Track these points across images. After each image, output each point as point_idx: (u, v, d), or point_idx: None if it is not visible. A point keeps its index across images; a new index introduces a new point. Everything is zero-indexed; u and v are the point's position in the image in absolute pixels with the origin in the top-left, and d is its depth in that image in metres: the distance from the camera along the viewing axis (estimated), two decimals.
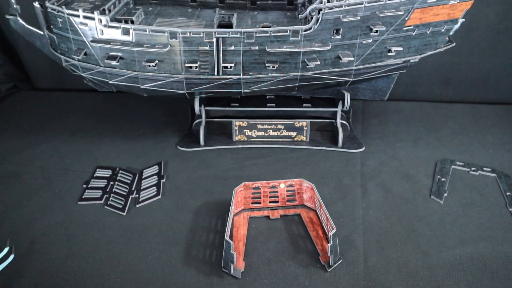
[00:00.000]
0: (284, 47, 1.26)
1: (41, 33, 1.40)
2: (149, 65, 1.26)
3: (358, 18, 1.22)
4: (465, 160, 1.46)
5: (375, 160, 1.48)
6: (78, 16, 1.25)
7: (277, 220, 1.22)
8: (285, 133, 1.57)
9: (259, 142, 1.57)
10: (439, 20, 1.30)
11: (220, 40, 1.24)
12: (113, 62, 1.27)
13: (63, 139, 1.61)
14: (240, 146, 1.55)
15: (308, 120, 1.55)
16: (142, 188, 1.34)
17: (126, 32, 1.26)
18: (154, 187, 1.33)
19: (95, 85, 1.44)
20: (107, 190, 1.33)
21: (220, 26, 1.39)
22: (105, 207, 1.26)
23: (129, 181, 1.37)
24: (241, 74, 1.31)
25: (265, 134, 1.57)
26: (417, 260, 1.08)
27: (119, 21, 1.36)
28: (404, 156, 1.50)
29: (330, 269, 1.05)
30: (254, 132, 1.57)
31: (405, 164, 1.46)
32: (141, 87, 1.34)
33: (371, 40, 1.28)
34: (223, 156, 1.50)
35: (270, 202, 1.26)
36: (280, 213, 1.24)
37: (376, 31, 1.25)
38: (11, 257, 1.08)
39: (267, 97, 1.61)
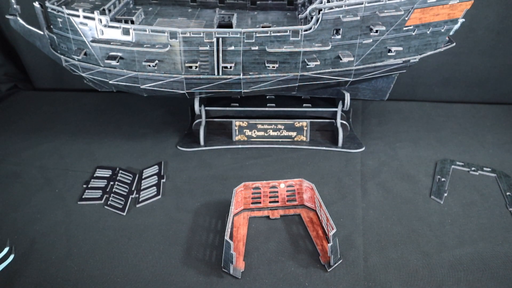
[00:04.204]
0: (284, 47, 1.26)
1: (41, 33, 1.40)
2: (149, 65, 1.26)
3: (358, 18, 1.22)
4: (465, 160, 1.46)
5: (375, 160, 1.48)
6: (78, 16, 1.25)
7: (277, 220, 1.22)
8: (285, 133, 1.57)
9: (259, 142, 1.57)
10: (439, 20, 1.30)
11: (220, 40, 1.25)
12: (113, 62, 1.27)
13: (63, 139, 1.61)
14: (240, 146, 1.55)
15: (308, 120, 1.55)
16: (142, 188, 1.34)
17: (126, 32, 1.26)
18: (154, 187, 1.33)
19: (95, 85, 1.44)
20: (107, 190, 1.33)
21: (220, 26, 1.40)
22: (105, 207, 1.26)
23: (129, 181, 1.37)
24: (241, 74, 1.31)
25: (265, 134, 1.57)
26: (417, 260, 1.08)
27: (119, 21, 1.36)
28: (404, 156, 1.50)
29: (330, 269, 1.05)
30: (254, 132, 1.57)
31: (405, 164, 1.46)
32: (141, 87, 1.34)
33: (371, 40, 1.28)
34: (223, 156, 1.50)
35: (270, 202, 1.26)
36: (280, 213, 1.24)
37: (376, 31, 1.25)
38: (11, 257, 1.08)
39: (267, 97, 1.61)
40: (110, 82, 1.35)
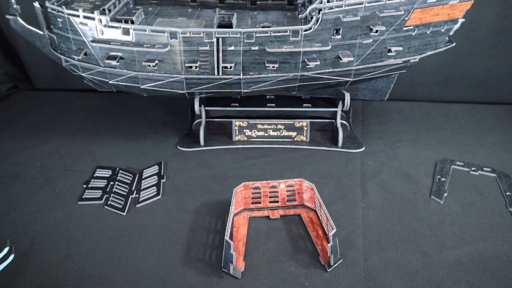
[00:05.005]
0: (284, 47, 1.26)
1: (41, 33, 1.40)
2: (149, 65, 1.26)
3: (358, 18, 1.22)
4: (465, 160, 1.46)
5: (375, 160, 1.48)
6: (78, 16, 1.25)
7: (277, 220, 1.22)
8: (285, 133, 1.57)
9: (259, 142, 1.57)
10: (439, 20, 1.30)
11: (220, 40, 1.25)
12: (113, 62, 1.27)
13: (63, 139, 1.61)
14: (240, 146, 1.55)
15: (308, 120, 1.55)
16: (142, 188, 1.34)
17: (126, 32, 1.26)
18: (154, 187, 1.33)
19: (95, 85, 1.44)
20: (107, 190, 1.33)
21: (220, 26, 1.40)
22: (105, 207, 1.26)
23: (129, 181, 1.37)
24: (241, 74, 1.31)
25: (265, 134, 1.57)
26: (417, 260, 1.08)
27: (119, 21, 1.36)
28: (404, 156, 1.50)
29: (330, 269, 1.05)
30: (254, 132, 1.57)
31: (405, 164, 1.46)
32: (141, 87, 1.34)
33: (371, 40, 1.28)
34: (223, 156, 1.50)
35: (270, 202, 1.26)
36: (280, 213, 1.24)
37: (376, 31, 1.25)
38: (11, 257, 1.08)
39: (267, 97, 1.61)
40: (110, 82, 1.35)
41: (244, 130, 1.57)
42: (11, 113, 1.82)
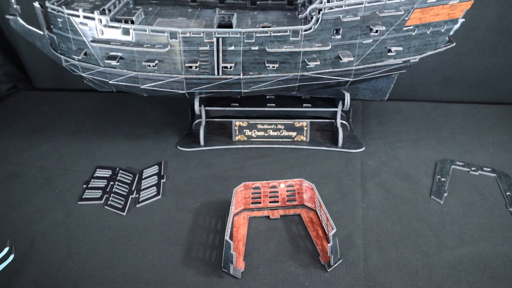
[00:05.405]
0: (284, 47, 1.26)
1: (41, 33, 1.40)
2: (149, 65, 1.26)
3: (358, 18, 1.22)
4: (465, 160, 1.46)
5: (375, 160, 1.48)
6: (78, 16, 1.25)
7: (277, 220, 1.22)
8: (285, 133, 1.57)
9: (259, 142, 1.57)
10: (439, 20, 1.30)
11: (220, 40, 1.25)
12: (113, 62, 1.27)
13: (63, 139, 1.61)
14: (240, 146, 1.55)
15: (308, 120, 1.55)
16: (142, 188, 1.34)
17: (126, 32, 1.26)
18: (154, 187, 1.33)
19: (95, 85, 1.44)
20: (107, 190, 1.33)
21: (220, 26, 1.40)
22: (105, 207, 1.26)
23: (129, 181, 1.37)
24: (241, 74, 1.31)
25: (265, 134, 1.57)
26: (417, 260, 1.08)
27: (119, 21, 1.36)
28: (404, 156, 1.50)
29: (330, 269, 1.05)
30: (254, 132, 1.57)
31: (405, 164, 1.46)
32: (141, 87, 1.34)
33: (371, 40, 1.28)
34: (223, 156, 1.50)
35: (270, 202, 1.26)
36: (280, 213, 1.24)
37: (376, 31, 1.25)
38: (11, 257, 1.08)
39: (267, 97, 1.61)
40: (110, 82, 1.35)
41: (244, 130, 1.57)
42: (11, 113, 1.82)
